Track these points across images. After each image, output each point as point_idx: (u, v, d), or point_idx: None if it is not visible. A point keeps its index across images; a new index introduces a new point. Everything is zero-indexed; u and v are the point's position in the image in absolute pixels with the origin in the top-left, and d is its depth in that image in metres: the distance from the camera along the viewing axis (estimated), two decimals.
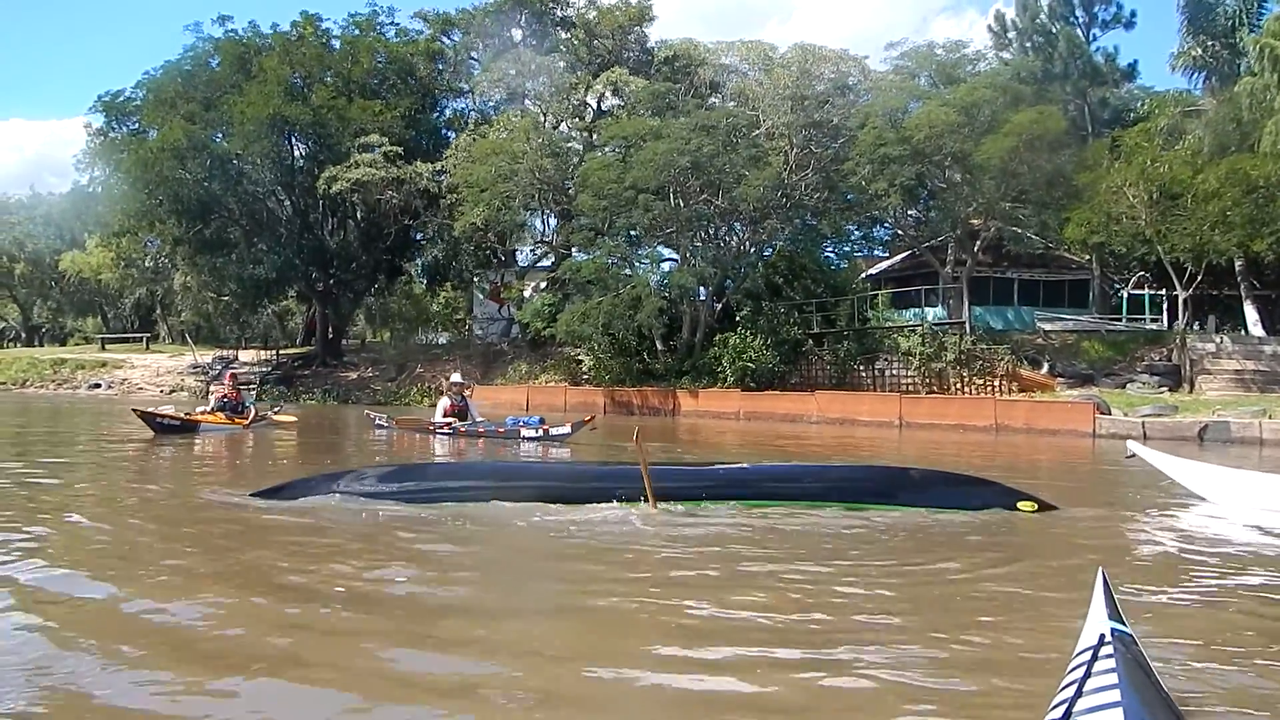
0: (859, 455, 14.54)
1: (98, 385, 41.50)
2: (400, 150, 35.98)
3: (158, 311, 60.96)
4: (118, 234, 42.65)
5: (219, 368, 42.66)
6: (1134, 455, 8.89)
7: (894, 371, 26.89)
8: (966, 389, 25.35)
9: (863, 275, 32.71)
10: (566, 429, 14.35)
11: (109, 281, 52.09)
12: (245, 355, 46.23)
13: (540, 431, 14.10)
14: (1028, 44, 34.97)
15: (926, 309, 29.29)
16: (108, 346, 52.34)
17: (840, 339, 28.27)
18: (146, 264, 47.59)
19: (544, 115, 36.87)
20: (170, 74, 39.49)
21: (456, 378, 16.09)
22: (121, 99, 40.21)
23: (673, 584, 4.70)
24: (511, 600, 4.47)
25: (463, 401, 15.61)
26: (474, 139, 34.96)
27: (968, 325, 26.81)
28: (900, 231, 31.83)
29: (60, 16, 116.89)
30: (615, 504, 6.61)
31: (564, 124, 37.61)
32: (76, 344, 58.94)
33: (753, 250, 31.26)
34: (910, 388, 26.07)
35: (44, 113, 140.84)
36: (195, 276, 45.68)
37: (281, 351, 46.63)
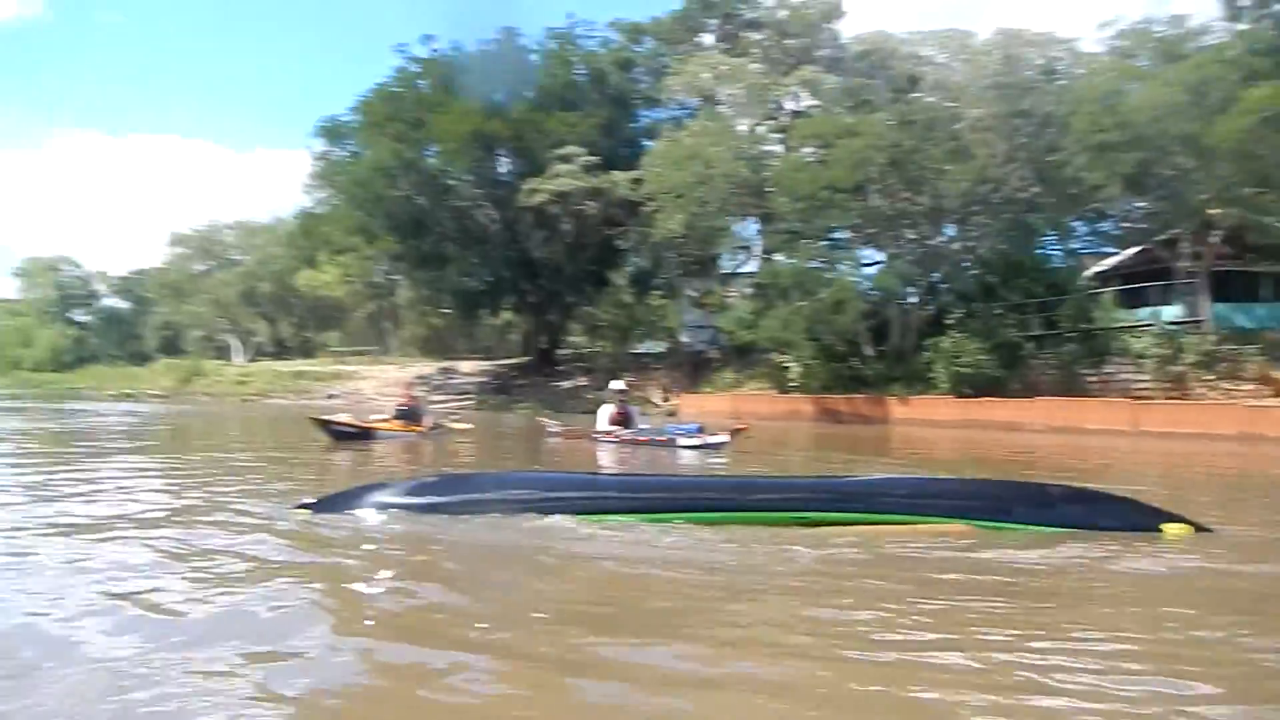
0: (1091, 468, 13.34)
1: (334, 395, 44.57)
2: (598, 160, 36.62)
3: (386, 325, 64.89)
4: (339, 252, 45.75)
5: (441, 379, 45.05)
6: None
7: (1125, 376, 24.98)
8: (1210, 394, 23.24)
9: (1088, 273, 30.59)
10: (723, 437, 13.97)
11: (341, 297, 55.84)
12: (465, 366, 48.48)
13: (697, 440, 13.81)
14: (1264, 12, 31.40)
15: (1161, 307, 26.86)
16: (343, 359, 56.29)
17: (1063, 341, 26.51)
18: (370, 280, 50.56)
19: (737, 118, 36.56)
20: (380, 96, 41.54)
21: (619, 385, 15.81)
22: (338, 123, 42.96)
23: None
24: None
25: (626, 409, 15.33)
26: (668, 146, 35.11)
27: (1209, 324, 24.53)
28: (1127, 224, 29.47)
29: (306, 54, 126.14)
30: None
31: (759, 126, 37.20)
32: (323, 358, 63.59)
33: (961, 249, 29.84)
34: (1143, 393, 24.16)
35: (291, 143, 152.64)
36: (414, 290, 48.28)
37: (500, 362, 48.65)
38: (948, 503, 6.33)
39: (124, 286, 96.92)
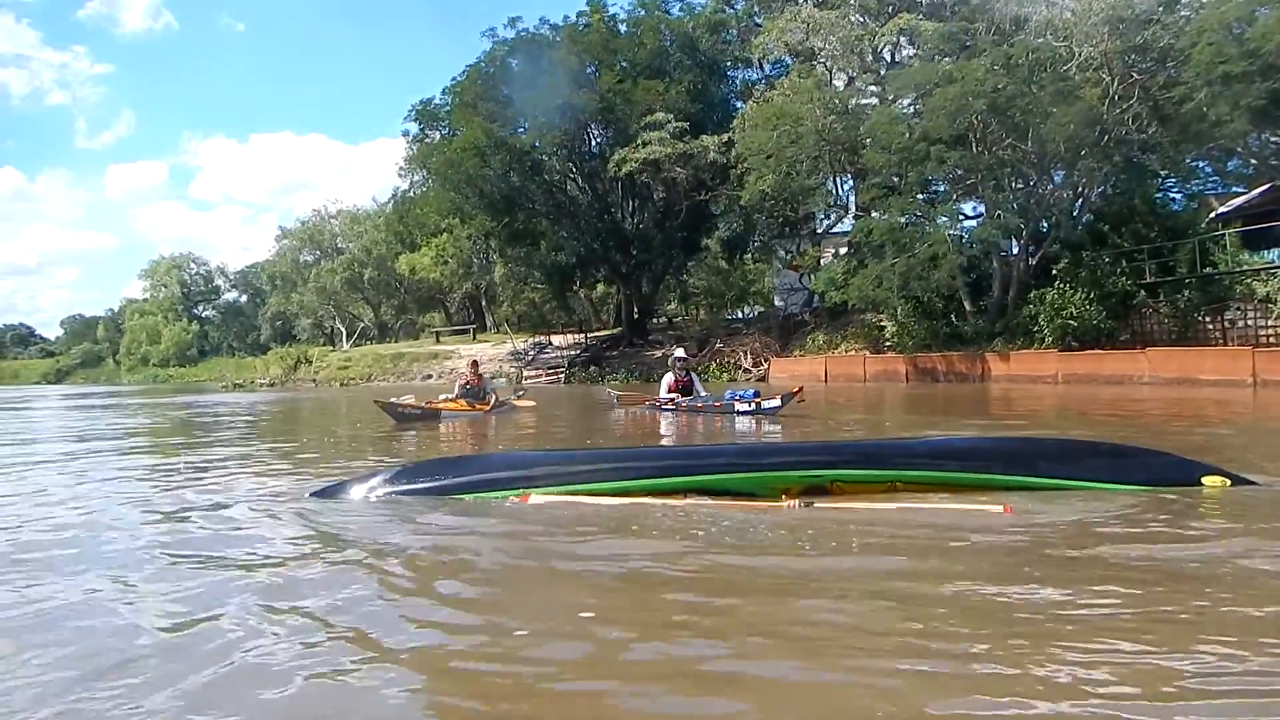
0: (1198, 420, 12.14)
1: (430, 375, 45.04)
2: (686, 126, 35.88)
3: (484, 303, 65.43)
4: (434, 234, 46.14)
5: (533, 353, 44.98)
6: None
7: (1248, 322, 22.93)
8: None
9: (1212, 215, 28.31)
10: (776, 402, 13.41)
11: (439, 278, 56.43)
12: (559, 339, 48.44)
13: (753, 405, 13.39)
14: None
15: None
16: (442, 339, 56.87)
17: (1180, 288, 24.54)
18: (464, 259, 50.88)
19: (831, 73, 35.26)
20: (471, 78, 41.68)
21: (680, 353, 15.50)
22: (432, 106, 43.26)
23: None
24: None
25: (687, 376, 15.05)
26: (758, 106, 34.07)
27: None
28: (1255, 161, 27.10)
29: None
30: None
31: (856, 80, 35.80)
32: (425, 339, 64.53)
33: (1068, 195, 27.97)
34: (1273, 340, 22.14)
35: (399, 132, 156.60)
36: (505, 267, 48.45)
37: (592, 335, 48.42)
38: (970, 462, 5.81)
39: (241, 280, 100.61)
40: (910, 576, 3.72)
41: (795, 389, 14.13)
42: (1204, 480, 5.42)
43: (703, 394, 15.00)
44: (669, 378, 15.07)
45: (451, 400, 16.14)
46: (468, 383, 16.49)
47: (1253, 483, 5.49)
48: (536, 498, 5.46)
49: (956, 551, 4.10)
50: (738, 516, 4.95)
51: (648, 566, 4.02)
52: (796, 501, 5.16)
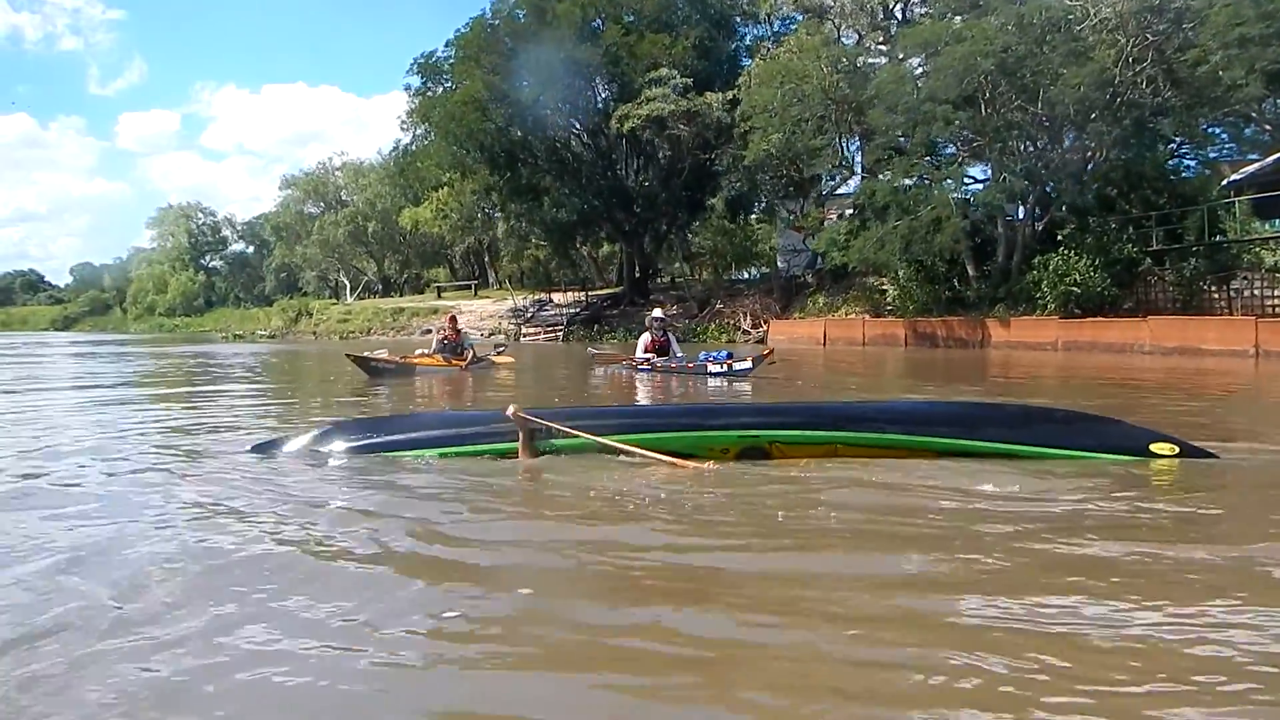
0: (1189, 392, 11.82)
1: (428, 330, 44.78)
2: (690, 82, 35.25)
3: (486, 259, 65.02)
4: (435, 187, 45.68)
5: (533, 310, 44.66)
6: None
7: (1254, 292, 22.46)
8: None
9: (1226, 181, 27.68)
10: (747, 364, 13.47)
11: (440, 233, 55.95)
12: (560, 297, 48.09)
13: (724, 366, 13.37)
14: None
15: None
16: (443, 295, 56.56)
17: (1187, 256, 24.04)
18: (466, 214, 50.32)
19: (840, 31, 34.54)
20: (475, 30, 41.02)
21: (658, 313, 15.37)
22: (434, 59, 42.59)
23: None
24: None
25: (665, 336, 14.90)
26: (764, 63, 33.40)
27: None
28: (1270, 128, 26.41)
29: None
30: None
31: (865, 38, 35.10)
32: (428, 295, 64.24)
33: (1076, 159, 27.37)
34: (1277, 310, 21.70)
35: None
36: (508, 223, 48.01)
37: (593, 293, 48.03)
38: (914, 426, 5.61)
39: (249, 231, 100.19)
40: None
41: (766, 351, 14.51)
42: (1153, 447, 5.25)
43: (679, 355, 14.90)
44: (645, 338, 14.98)
45: (429, 355, 16.02)
46: (446, 338, 16.35)
47: (1211, 455, 5.24)
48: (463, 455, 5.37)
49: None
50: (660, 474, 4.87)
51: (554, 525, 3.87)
52: (710, 463, 5.07)
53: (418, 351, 16.81)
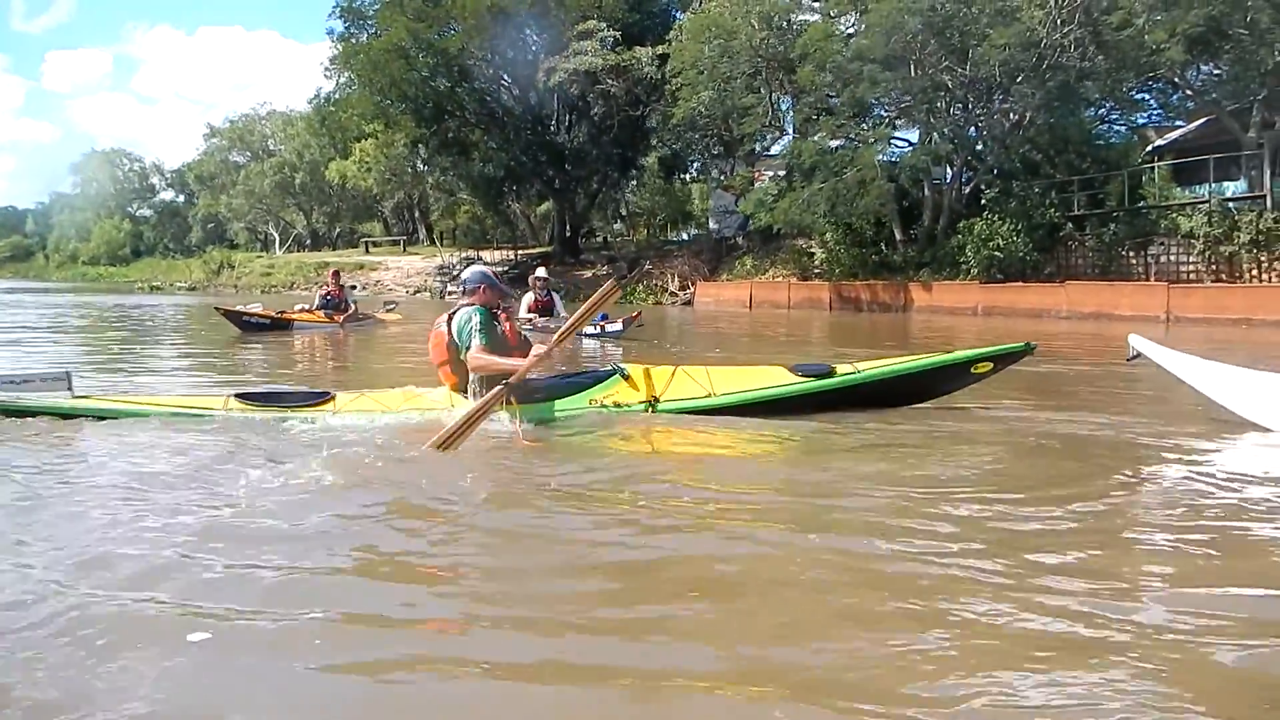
0: (1094, 353, 11.66)
1: (354, 286, 43.48)
2: (620, 35, 34.34)
3: (416, 215, 63.58)
4: (358, 139, 44.24)
5: (460, 268, 43.69)
6: (1138, 357, 6.22)
7: (1170, 258, 22.54)
8: (1264, 276, 20.80)
9: (1150, 147, 27.72)
10: (619, 326, 13.94)
11: (368, 187, 54.42)
12: (489, 255, 47.04)
13: (598, 329, 13.60)
14: None
15: (1225, 184, 23.66)
16: (371, 250, 55.25)
17: (1107, 222, 24.05)
18: (393, 167, 48.80)
19: None
20: None
21: (541, 273, 15.03)
22: (358, 3, 40.81)
23: None
24: None
25: (548, 296, 14.54)
26: (695, 17, 32.62)
27: (1269, 200, 21.70)
28: (1191, 92, 26.39)
29: None
30: None
31: None
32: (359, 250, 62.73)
33: (1004, 123, 27.19)
34: (1192, 276, 21.80)
35: None
36: (434, 178, 46.81)
37: (524, 251, 47.13)
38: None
39: (178, 180, 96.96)
40: None
41: (634, 314, 15.23)
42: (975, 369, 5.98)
43: (563, 315, 14.41)
44: (529, 297, 14.55)
45: (308, 310, 15.59)
46: (328, 293, 15.94)
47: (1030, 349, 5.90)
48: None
49: None
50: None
51: None
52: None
53: (297, 306, 16.45)
